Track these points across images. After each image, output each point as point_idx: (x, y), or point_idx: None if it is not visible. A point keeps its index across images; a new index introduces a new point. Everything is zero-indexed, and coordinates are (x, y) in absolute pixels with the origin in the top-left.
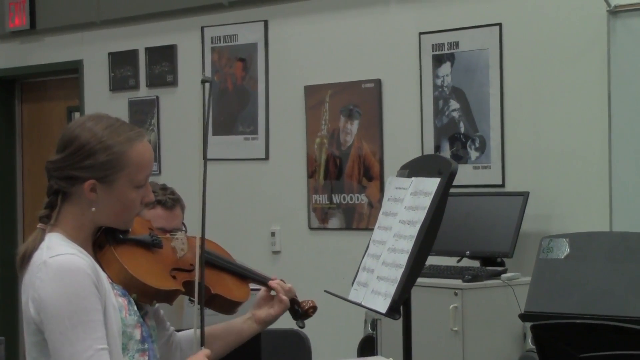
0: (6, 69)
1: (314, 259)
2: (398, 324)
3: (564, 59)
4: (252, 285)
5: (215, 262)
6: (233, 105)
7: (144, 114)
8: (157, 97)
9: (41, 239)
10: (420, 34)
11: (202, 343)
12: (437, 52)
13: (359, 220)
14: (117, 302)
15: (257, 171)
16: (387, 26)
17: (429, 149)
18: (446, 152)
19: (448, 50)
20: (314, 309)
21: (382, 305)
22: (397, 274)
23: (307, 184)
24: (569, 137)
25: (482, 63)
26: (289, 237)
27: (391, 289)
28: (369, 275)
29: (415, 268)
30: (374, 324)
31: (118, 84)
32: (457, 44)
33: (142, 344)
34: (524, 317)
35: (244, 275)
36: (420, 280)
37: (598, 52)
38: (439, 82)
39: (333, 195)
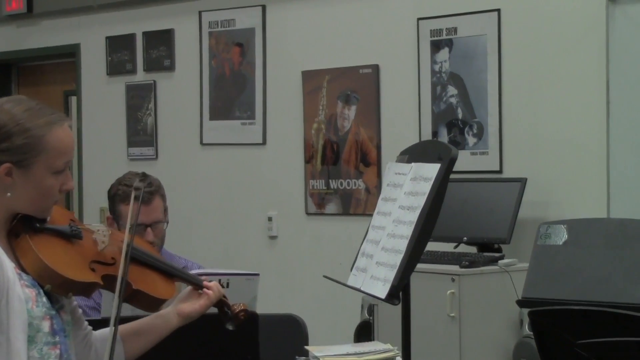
0: (3, 52)
1: (311, 244)
2: (395, 309)
3: (563, 45)
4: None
5: (139, 257)
6: (230, 90)
7: (141, 98)
8: (154, 81)
9: None
10: (419, 19)
11: (114, 339)
12: (435, 38)
13: (356, 205)
14: (24, 293)
15: (254, 156)
16: (385, 11)
17: (427, 135)
18: (444, 138)
19: (446, 35)
20: (244, 312)
21: (381, 290)
22: (397, 259)
23: (304, 169)
24: (567, 123)
25: (480, 49)
26: (285, 222)
27: (390, 274)
28: (368, 261)
29: (414, 254)
30: (371, 310)
31: (115, 68)
32: (455, 30)
33: (52, 336)
34: (522, 303)
35: (171, 273)
36: (417, 266)
37: (597, 39)
38: (437, 67)
39: (330, 180)
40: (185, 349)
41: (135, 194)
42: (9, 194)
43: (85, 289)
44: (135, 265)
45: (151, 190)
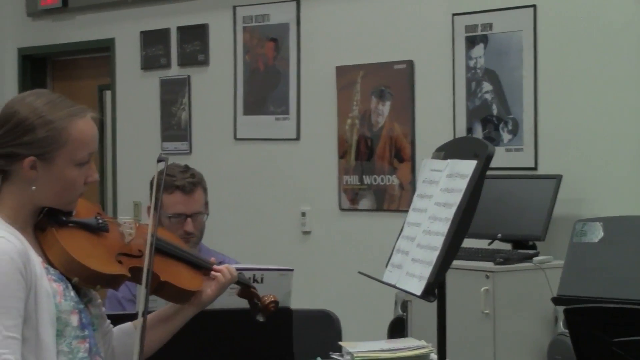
0: (38, 47)
1: (344, 239)
2: (428, 306)
3: (599, 41)
4: (279, 266)
5: (166, 249)
6: (264, 85)
7: (175, 93)
8: (189, 76)
9: None
10: (454, 15)
11: (144, 330)
12: (470, 34)
13: (390, 201)
14: (51, 288)
15: (288, 151)
16: (420, 7)
17: (461, 131)
18: (478, 135)
19: (481, 31)
20: (274, 303)
21: (416, 287)
22: (432, 256)
23: (338, 164)
24: (603, 120)
25: (515, 45)
26: (319, 217)
27: (426, 271)
28: (403, 257)
29: (450, 250)
30: (405, 306)
31: (149, 62)
32: (490, 26)
33: (81, 330)
34: (557, 300)
35: (198, 265)
36: None
37: (634, 35)
38: (471, 63)
39: (364, 176)
40: (220, 344)
41: (183, 183)
42: (33, 187)
43: (112, 282)
44: (162, 257)
45: (194, 182)
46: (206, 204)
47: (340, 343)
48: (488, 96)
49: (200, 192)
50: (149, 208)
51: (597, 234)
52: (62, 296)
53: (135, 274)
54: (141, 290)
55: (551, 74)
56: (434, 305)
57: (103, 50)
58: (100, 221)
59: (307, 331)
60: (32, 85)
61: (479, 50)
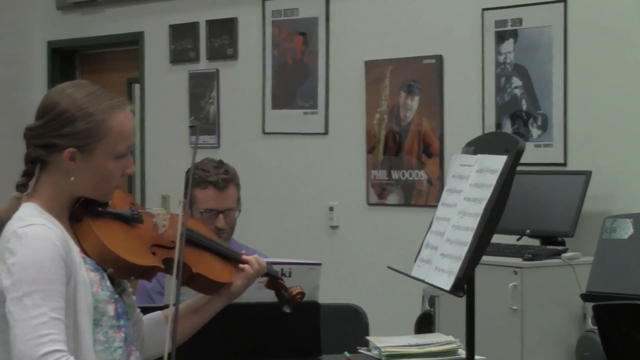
0: (67, 40)
1: (372, 234)
2: (456, 301)
3: (629, 37)
4: (307, 261)
5: (197, 240)
6: (292, 80)
7: (204, 87)
8: (217, 70)
9: (15, 208)
10: (483, 10)
11: (176, 321)
12: (500, 29)
13: (418, 196)
14: (89, 277)
15: (316, 146)
16: (450, 1)
17: (490, 127)
18: (507, 130)
19: (511, 26)
20: (301, 294)
21: (446, 282)
22: (462, 251)
23: (366, 159)
24: (633, 116)
25: (545, 40)
26: (346, 212)
27: (455, 266)
28: (432, 252)
29: (480, 246)
30: (432, 301)
31: (178, 56)
32: (520, 21)
33: (116, 320)
34: (586, 297)
35: (229, 256)
36: None
37: None
38: (501, 59)
39: (392, 171)
40: (248, 338)
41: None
42: (72, 178)
43: (146, 273)
44: (194, 249)
45: (227, 178)
46: (238, 200)
47: (367, 338)
48: (517, 91)
49: (233, 188)
50: (183, 202)
51: (626, 230)
52: (99, 286)
53: (168, 266)
54: (172, 281)
55: (581, 70)
56: (461, 301)
57: (132, 44)
58: (135, 212)
59: (334, 326)
60: (61, 78)
61: (508, 45)
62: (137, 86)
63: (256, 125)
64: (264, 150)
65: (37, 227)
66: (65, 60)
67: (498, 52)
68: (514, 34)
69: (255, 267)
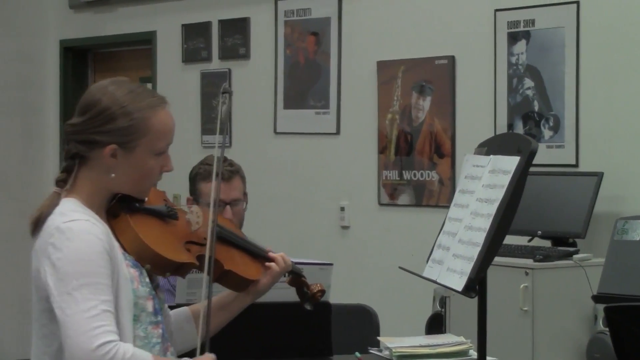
0: (80, 39)
1: (383, 234)
2: (467, 302)
3: None
4: (319, 261)
5: (228, 237)
6: (304, 79)
7: (216, 86)
8: (229, 69)
9: (56, 204)
10: (496, 10)
11: (209, 316)
12: (513, 30)
13: (429, 197)
14: (129, 273)
15: (328, 146)
16: (462, 2)
17: (502, 127)
18: (519, 131)
19: (524, 27)
20: (322, 292)
21: (458, 283)
22: (474, 252)
23: (378, 159)
24: None
25: (558, 41)
26: (358, 212)
27: (467, 267)
28: (444, 253)
29: (492, 246)
30: (443, 302)
31: (190, 55)
32: (533, 22)
33: (154, 316)
34: (597, 298)
35: (257, 254)
36: None
37: None
38: (513, 60)
39: (403, 171)
40: (259, 338)
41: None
42: (112, 174)
43: (181, 269)
44: (225, 246)
45: (232, 170)
46: (245, 194)
47: (378, 338)
48: (529, 92)
49: (238, 180)
50: (189, 200)
51: (638, 232)
52: (139, 282)
53: (201, 262)
54: (187, 282)
55: (593, 71)
56: (472, 302)
57: (144, 43)
58: (170, 209)
59: (345, 326)
60: (74, 77)
61: (521, 46)
62: (149, 85)
63: (268, 125)
64: (276, 150)
65: (81, 222)
66: (78, 59)
67: (510, 53)
68: (526, 35)
69: (282, 264)
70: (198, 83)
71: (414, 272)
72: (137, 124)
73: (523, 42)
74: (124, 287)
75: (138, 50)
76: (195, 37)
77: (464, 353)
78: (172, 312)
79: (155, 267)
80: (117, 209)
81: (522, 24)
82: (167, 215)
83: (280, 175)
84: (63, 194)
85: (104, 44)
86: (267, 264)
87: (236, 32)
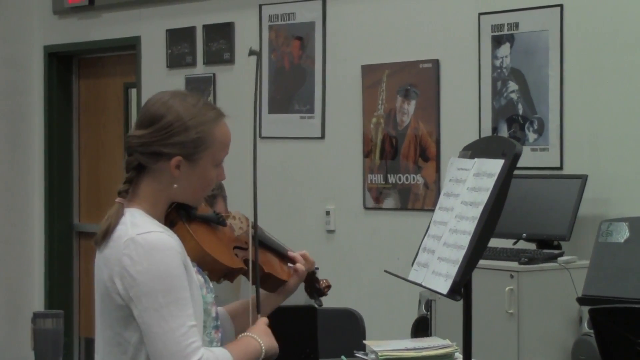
0: (65, 44)
1: (369, 238)
2: (452, 305)
3: (626, 41)
4: None
5: (264, 241)
6: (289, 84)
7: (200, 91)
8: (214, 74)
9: (122, 214)
10: (480, 14)
11: (257, 313)
12: (497, 33)
13: (415, 200)
14: (198, 280)
15: (313, 150)
16: (446, 6)
17: (487, 131)
18: (504, 134)
19: (507, 31)
20: (329, 287)
21: (443, 286)
22: (459, 255)
23: (363, 163)
24: (629, 120)
25: (542, 44)
26: (343, 216)
27: (452, 270)
28: (429, 256)
29: (477, 249)
30: (429, 305)
31: (175, 60)
32: (517, 25)
33: (215, 320)
34: (582, 300)
35: (283, 255)
36: None
37: None
38: (497, 63)
39: (388, 175)
40: None
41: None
42: (175, 185)
43: (233, 274)
44: (262, 249)
45: (213, 194)
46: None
47: (364, 342)
48: (514, 96)
49: (221, 201)
50: None
51: (622, 234)
52: (207, 289)
53: (248, 267)
54: (249, 282)
55: (577, 74)
56: (457, 305)
57: (129, 48)
58: (219, 216)
59: (331, 330)
60: (58, 83)
61: (505, 49)
62: (133, 91)
63: (252, 130)
64: (261, 154)
65: (157, 234)
66: (62, 64)
67: (494, 57)
68: (510, 38)
69: (307, 264)
70: (183, 88)
71: (399, 276)
72: (202, 137)
73: (507, 45)
74: (197, 294)
75: (123, 55)
76: (179, 42)
77: (449, 356)
78: None
79: (212, 273)
80: (173, 217)
81: (506, 27)
82: (217, 221)
83: (265, 180)
84: (125, 204)
85: (88, 50)
86: (295, 265)
87: (221, 37)
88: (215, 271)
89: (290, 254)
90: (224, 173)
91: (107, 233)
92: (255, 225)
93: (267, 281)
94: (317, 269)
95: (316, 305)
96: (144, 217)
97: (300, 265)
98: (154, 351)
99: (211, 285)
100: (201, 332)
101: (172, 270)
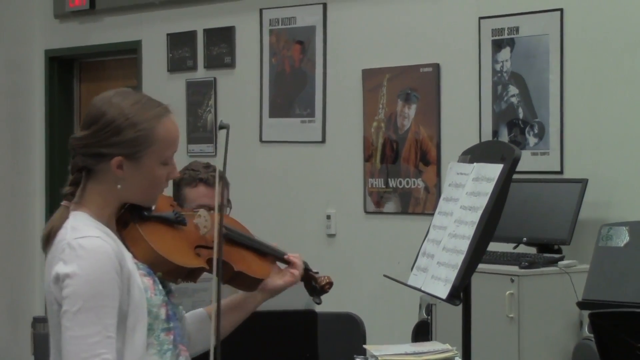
0: (66, 48)
1: (369, 242)
2: (453, 309)
3: (626, 45)
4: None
5: (236, 238)
6: (290, 88)
7: (201, 95)
8: (215, 78)
9: (66, 217)
10: (480, 18)
11: (219, 320)
12: (497, 37)
13: (415, 204)
14: (143, 283)
15: (314, 154)
16: (447, 10)
17: (487, 135)
18: (504, 138)
19: (508, 35)
20: (330, 284)
21: (442, 291)
22: (458, 259)
23: (364, 167)
24: (629, 124)
25: (542, 49)
26: (344, 220)
27: (452, 274)
28: (428, 261)
29: (476, 254)
30: (429, 309)
31: (176, 64)
32: (517, 29)
33: (167, 322)
34: (582, 304)
35: (265, 252)
36: None
37: None
38: (498, 67)
39: (389, 179)
40: (245, 346)
41: (207, 176)
42: (119, 185)
43: (193, 274)
44: (234, 247)
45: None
46: (229, 201)
47: (364, 346)
48: (514, 100)
49: (222, 186)
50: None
51: (622, 238)
52: (153, 290)
53: (212, 266)
54: (214, 281)
55: (577, 78)
56: (458, 309)
57: (130, 52)
58: (179, 215)
59: (331, 334)
60: (60, 87)
61: (505, 53)
62: None
63: (254, 134)
64: (262, 158)
65: (92, 239)
66: (64, 68)
67: (495, 61)
68: (510, 43)
69: (300, 270)
70: (184, 92)
71: (399, 280)
72: (143, 135)
73: (507, 49)
74: (138, 297)
75: (123, 59)
76: (180, 46)
77: None
78: (188, 315)
79: (168, 274)
80: (126, 218)
81: (506, 31)
82: (175, 221)
83: (266, 184)
84: (72, 207)
85: (89, 54)
86: (289, 269)
87: (221, 41)
88: (170, 272)
89: (288, 256)
90: (176, 170)
91: (49, 237)
92: (220, 223)
93: (237, 279)
94: (316, 273)
95: (315, 302)
96: (87, 220)
97: (295, 270)
98: (66, 353)
99: (171, 286)
100: (144, 336)
101: (100, 276)
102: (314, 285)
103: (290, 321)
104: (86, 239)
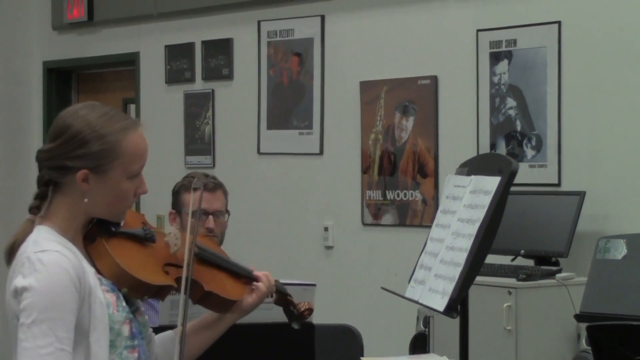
0: (64, 60)
1: (367, 255)
2: (450, 321)
3: (624, 58)
4: (302, 281)
5: (208, 258)
6: (288, 100)
7: (199, 107)
8: (213, 90)
9: (30, 231)
10: (478, 30)
11: (183, 340)
12: (495, 50)
13: (413, 216)
14: (105, 298)
15: (311, 166)
16: (445, 22)
17: (485, 147)
18: (502, 150)
19: (505, 47)
20: (309, 311)
21: (439, 303)
22: (455, 272)
23: (361, 179)
24: (627, 136)
25: (540, 61)
26: (342, 232)
27: (449, 287)
28: (426, 273)
29: (473, 267)
30: (427, 321)
31: (174, 76)
32: (514, 42)
33: (131, 340)
34: (580, 317)
35: (239, 274)
36: None
37: None
38: (495, 79)
39: (387, 191)
40: (242, 359)
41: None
42: (85, 199)
43: (160, 292)
44: (205, 267)
45: (215, 183)
46: (227, 210)
47: (362, 358)
48: (512, 112)
49: (221, 193)
50: (171, 213)
51: (620, 250)
52: (116, 307)
53: (181, 284)
54: (182, 299)
55: (575, 91)
56: (455, 321)
57: (128, 64)
58: (147, 232)
59: (329, 346)
60: (58, 98)
61: (503, 66)
62: (132, 106)
63: (251, 146)
64: (259, 170)
65: (50, 253)
66: (61, 80)
67: (493, 73)
68: (508, 55)
69: (267, 284)
70: (182, 104)
71: (396, 293)
72: (108, 148)
73: (505, 61)
74: (100, 313)
75: (121, 71)
76: (178, 58)
77: None
78: (158, 336)
79: (133, 290)
80: (94, 234)
81: (504, 43)
82: (144, 238)
83: (263, 196)
84: (37, 220)
85: (87, 65)
86: (254, 284)
87: (219, 53)
88: (135, 288)
89: (255, 274)
90: (145, 185)
91: (12, 250)
92: (193, 242)
93: (207, 300)
94: (314, 285)
95: (294, 328)
96: (50, 235)
97: (259, 284)
98: None
99: (139, 304)
100: (106, 352)
101: (56, 290)
102: (292, 311)
103: (287, 333)
104: (45, 253)
